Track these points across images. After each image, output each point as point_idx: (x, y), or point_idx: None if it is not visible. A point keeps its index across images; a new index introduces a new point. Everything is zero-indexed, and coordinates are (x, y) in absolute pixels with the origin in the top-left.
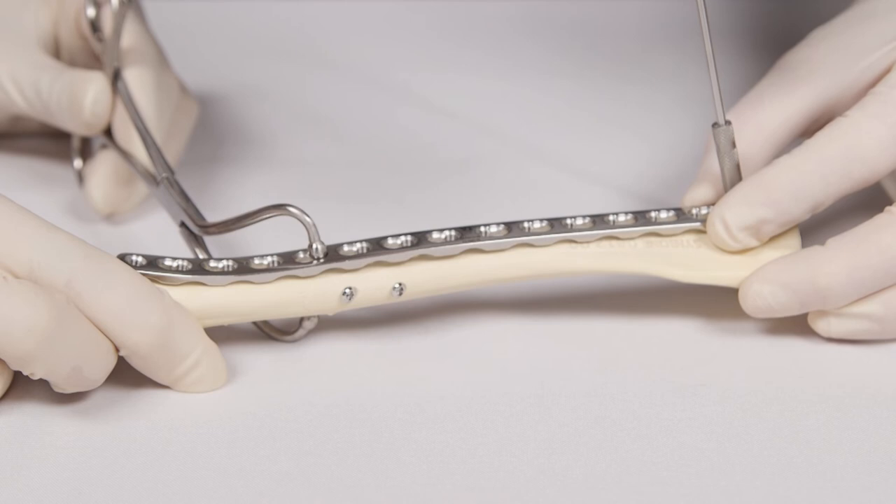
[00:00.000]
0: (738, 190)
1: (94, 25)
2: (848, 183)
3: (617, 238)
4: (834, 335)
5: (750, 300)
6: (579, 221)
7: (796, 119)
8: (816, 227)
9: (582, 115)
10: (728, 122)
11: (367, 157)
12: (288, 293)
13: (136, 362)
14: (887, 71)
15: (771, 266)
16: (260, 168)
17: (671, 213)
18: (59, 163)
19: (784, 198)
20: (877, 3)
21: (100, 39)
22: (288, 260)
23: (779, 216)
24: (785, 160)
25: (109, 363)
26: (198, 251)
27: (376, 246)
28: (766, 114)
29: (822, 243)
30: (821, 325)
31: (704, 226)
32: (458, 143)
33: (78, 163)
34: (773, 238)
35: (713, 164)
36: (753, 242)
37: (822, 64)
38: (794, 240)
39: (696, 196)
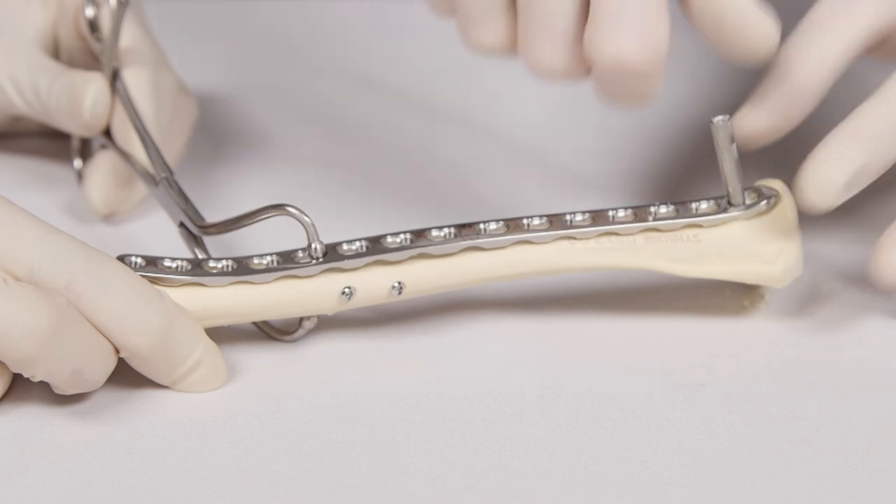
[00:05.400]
0: (831, 143)
1: (93, 25)
2: None
3: (616, 234)
4: None
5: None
6: (578, 217)
7: (858, 44)
8: (817, 223)
9: (582, 114)
10: (727, 117)
11: (367, 157)
12: (287, 293)
13: (136, 364)
14: None
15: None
16: (260, 168)
17: (671, 209)
18: (59, 163)
19: (882, 142)
20: None
21: (98, 39)
22: (287, 260)
23: (878, 160)
24: (871, 102)
25: (110, 365)
26: (197, 251)
27: (375, 244)
28: (827, 42)
29: (823, 236)
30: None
31: (704, 224)
32: (458, 143)
33: (78, 163)
34: (770, 234)
35: (766, 86)
36: (845, 198)
37: None
38: (793, 227)
39: (751, 120)
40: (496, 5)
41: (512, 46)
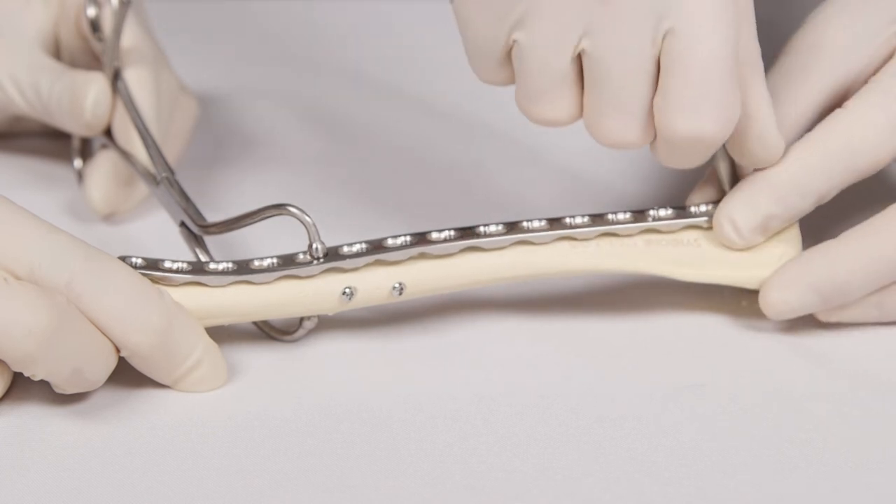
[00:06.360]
0: (744, 188)
1: (95, 25)
2: (851, 174)
3: (616, 235)
4: (833, 320)
5: (774, 307)
6: (578, 220)
7: (812, 110)
8: (814, 217)
9: None
10: None
11: (367, 157)
12: (288, 293)
13: (136, 363)
14: (892, 54)
15: (789, 269)
16: (260, 168)
17: (670, 212)
18: (59, 163)
19: (789, 194)
20: None
21: (100, 39)
22: (288, 261)
23: (785, 212)
24: (788, 155)
25: (110, 364)
26: (198, 251)
27: (376, 246)
28: (782, 109)
29: (823, 236)
30: (822, 314)
31: (706, 223)
32: (458, 144)
33: (78, 163)
34: (771, 239)
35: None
36: (760, 239)
37: (831, 49)
38: (793, 231)
39: (701, 197)
40: (563, 81)
41: (576, 119)
